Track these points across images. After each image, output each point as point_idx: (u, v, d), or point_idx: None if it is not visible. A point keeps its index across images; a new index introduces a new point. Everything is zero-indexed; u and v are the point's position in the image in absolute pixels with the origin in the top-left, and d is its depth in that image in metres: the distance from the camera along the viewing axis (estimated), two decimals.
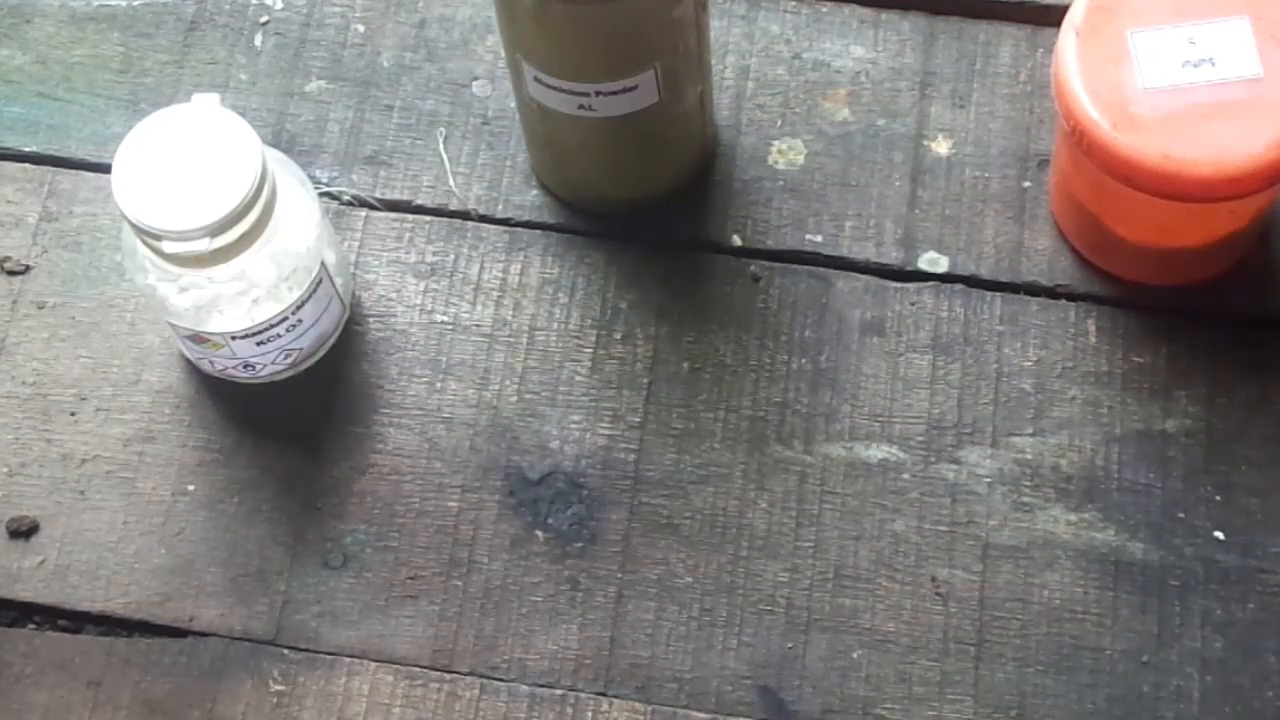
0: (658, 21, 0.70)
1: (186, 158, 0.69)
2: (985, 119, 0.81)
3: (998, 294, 0.78)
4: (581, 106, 0.73)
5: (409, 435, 0.77)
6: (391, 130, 0.83)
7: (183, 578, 0.75)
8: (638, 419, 0.77)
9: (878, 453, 0.76)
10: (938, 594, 0.73)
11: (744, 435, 0.76)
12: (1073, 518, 0.74)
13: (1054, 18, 0.77)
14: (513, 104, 0.80)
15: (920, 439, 0.76)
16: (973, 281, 0.79)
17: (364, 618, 0.74)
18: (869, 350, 0.77)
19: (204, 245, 0.68)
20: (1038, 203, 0.80)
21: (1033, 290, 0.78)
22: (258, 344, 0.74)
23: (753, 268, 0.79)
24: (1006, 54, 0.82)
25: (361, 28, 0.85)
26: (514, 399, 0.77)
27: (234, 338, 0.73)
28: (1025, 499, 0.75)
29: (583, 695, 0.73)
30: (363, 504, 0.76)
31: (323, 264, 0.74)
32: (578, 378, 0.78)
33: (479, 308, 0.79)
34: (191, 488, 0.76)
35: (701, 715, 0.72)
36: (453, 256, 0.80)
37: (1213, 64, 0.71)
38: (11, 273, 0.80)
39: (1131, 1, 0.72)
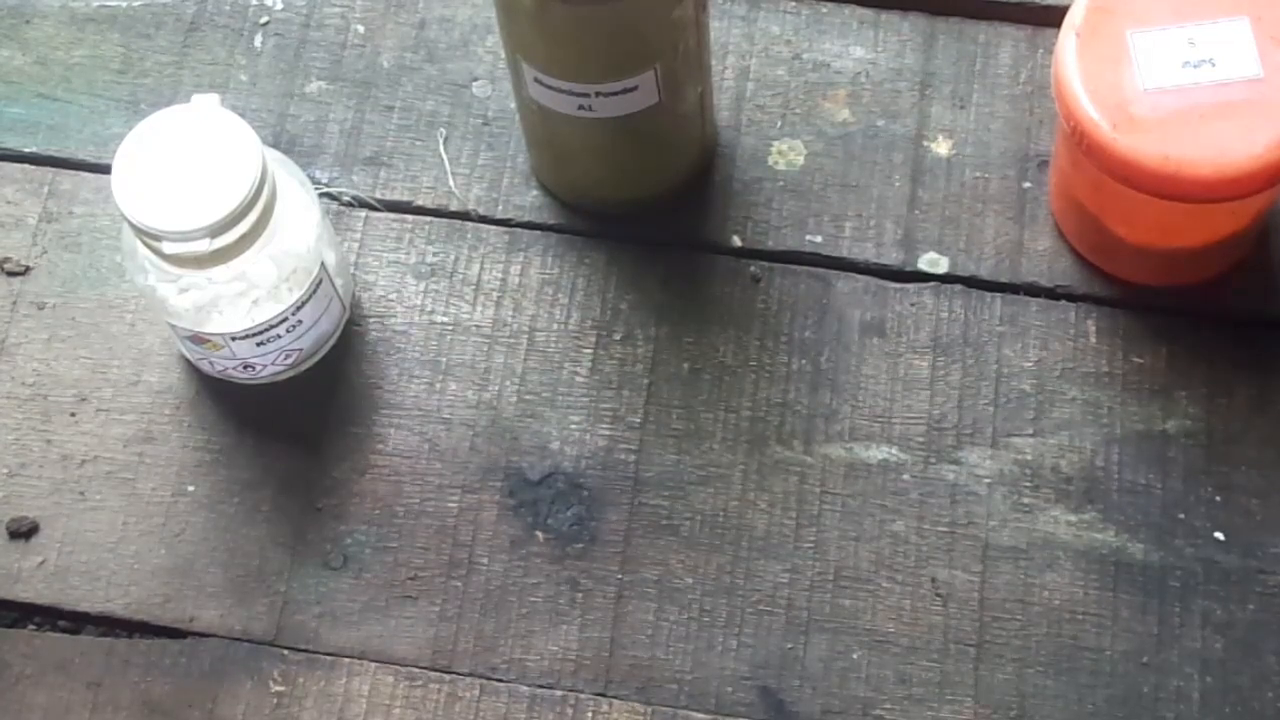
0: (658, 22, 0.70)
1: (186, 158, 0.69)
2: (985, 119, 0.81)
3: (998, 295, 0.78)
4: (581, 107, 0.73)
5: (409, 436, 0.77)
6: (391, 131, 0.83)
7: (183, 578, 0.75)
8: (638, 420, 0.77)
9: (878, 453, 0.76)
10: (937, 595, 0.73)
11: (744, 436, 0.76)
12: (1073, 518, 0.74)
13: (1054, 18, 0.77)
14: (513, 104, 0.80)
15: (920, 440, 0.76)
16: (973, 282, 0.79)
17: (364, 618, 0.74)
18: (869, 351, 0.77)
19: (204, 246, 0.68)
20: (1038, 203, 0.80)
21: (1033, 291, 0.78)
22: (258, 345, 0.74)
23: (753, 268, 0.79)
24: (1006, 55, 0.82)
25: (361, 28, 0.85)
26: (514, 400, 0.77)
27: (234, 338, 0.73)
28: (1025, 500, 0.75)
29: (583, 696, 0.73)
30: (363, 505, 0.76)
31: (323, 265, 0.74)
32: (578, 378, 0.78)
33: (479, 308, 0.79)
34: (191, 488, 0.76)
35: (701, 716, 0.72)
36: (453, 257, 0.80)
37: (1212, 64, 0.71)
38: (11, 273, 0.80)
39: (1131, 2, 0.72)
